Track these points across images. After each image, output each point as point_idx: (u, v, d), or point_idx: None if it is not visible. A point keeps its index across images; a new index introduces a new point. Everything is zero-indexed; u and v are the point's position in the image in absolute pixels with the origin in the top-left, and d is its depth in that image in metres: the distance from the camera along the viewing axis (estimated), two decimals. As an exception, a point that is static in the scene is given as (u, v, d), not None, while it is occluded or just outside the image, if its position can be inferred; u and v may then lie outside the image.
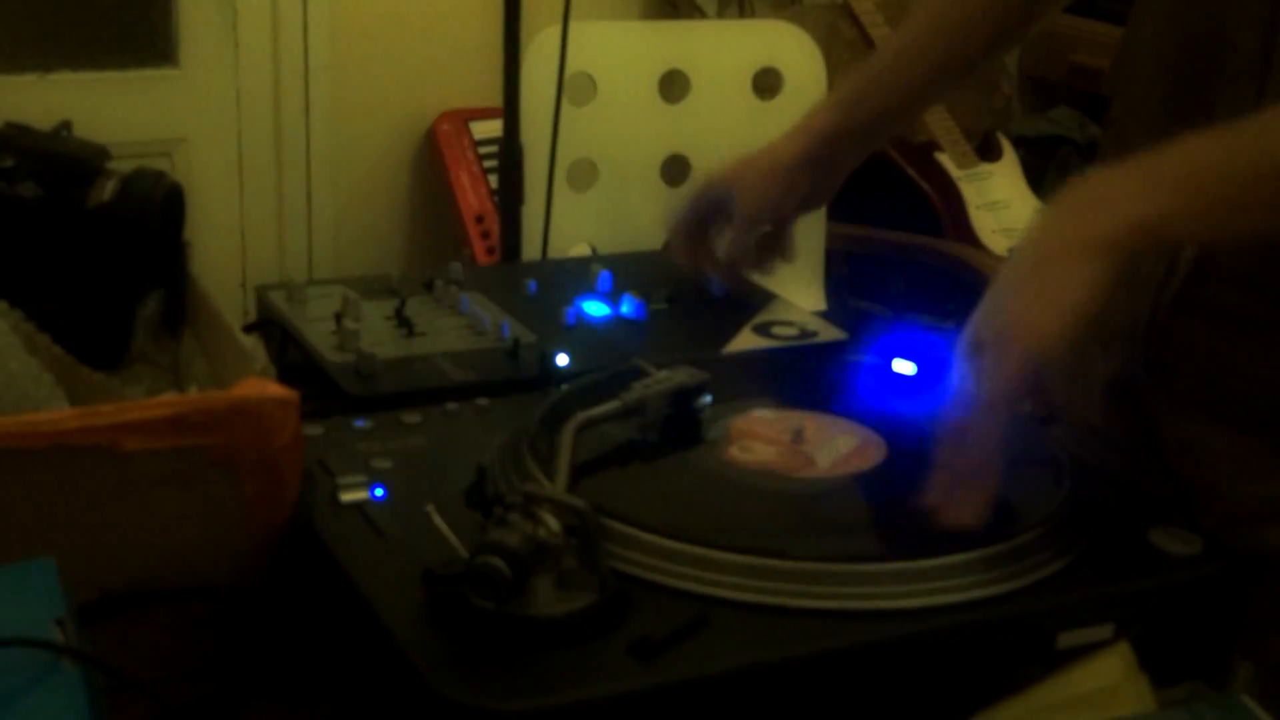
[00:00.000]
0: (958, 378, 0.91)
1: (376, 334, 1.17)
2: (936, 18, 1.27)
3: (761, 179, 1.27)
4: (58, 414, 0.82)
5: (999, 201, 2.89)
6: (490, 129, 2.67)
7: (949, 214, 2.85)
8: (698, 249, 1.31)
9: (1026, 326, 0.88)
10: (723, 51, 2.27)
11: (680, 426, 1.01)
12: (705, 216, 1.31)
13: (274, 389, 0.85)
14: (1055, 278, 0.89)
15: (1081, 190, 0.93)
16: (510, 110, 1.99)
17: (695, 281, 1.32)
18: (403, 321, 1.19)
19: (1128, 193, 0.91)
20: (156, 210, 1.21)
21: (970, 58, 1.29)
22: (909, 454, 0.98)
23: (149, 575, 0.85)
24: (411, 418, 1.03)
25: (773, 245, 1.32)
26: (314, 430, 0.98)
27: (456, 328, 1.20)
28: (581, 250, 2.09)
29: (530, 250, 2.01)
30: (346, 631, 0.84)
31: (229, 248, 2.79)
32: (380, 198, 2.94)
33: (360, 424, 1.01)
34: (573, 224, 2.09)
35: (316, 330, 1.17)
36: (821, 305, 2.19)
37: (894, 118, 1.33)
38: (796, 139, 1.27)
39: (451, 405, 1.05)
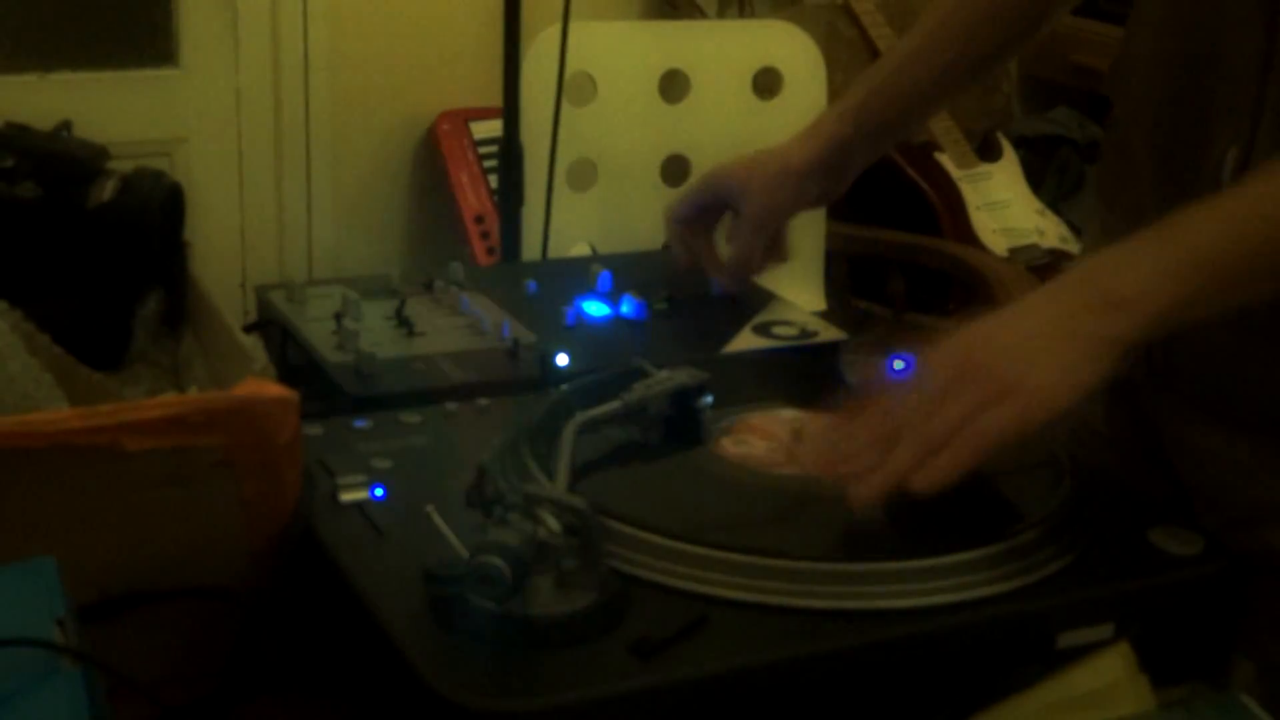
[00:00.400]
0: (922, 391, 0.91)
1: (376, 334, 1.17)
2: (944, 23, 1.27)
3: (770, 184, 1.27)
4: (58, 414, 0.82)
5: (999, 201, 2.89)
6: (490, 129, 2.67)
7: (949, 214, 2.85)
8: (696, 242, 1.31)
9: (1042, 390, 0.89)
10: (723, 51, 2.27)
11: (680, 426, 1.01)
12: (707, 207, 1.31)
13: (274, 389, 0.85)
14: (1077, 356, 0.90)
15: (1091, 280, 0.93)
16: (510, 110, 1.99)
17: (695, 282, 1.32)
18: (403, 321, 1.19)
19: (1145, 289, 0.91)
20: (156, 210, 1.21)
21: (978, 62, 1.29)
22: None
23: (149, 575, 0.85)
24: (411, 418, 1.03)
25: (769, 246, 1.32)
26: (314, 430, 0.98)
27: (456, 328, 1.20)
28: (581, 250, 2.09)
29: (530, 250, 2.01)
30: (346, 631, 0.84)
31: (229, 248, 2.79)
32: (380, 198, 2.94)
33: (360, 424, 1.01)
34: (573, 224, 2.10)
35: (316, 330, 1.17)
36: (821, 305, 2.19)
37: (903, 123, 1.33)
38: (807, 145, 1.27)
39: (451, 405, 1.05)
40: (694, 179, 1.38)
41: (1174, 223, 0.92)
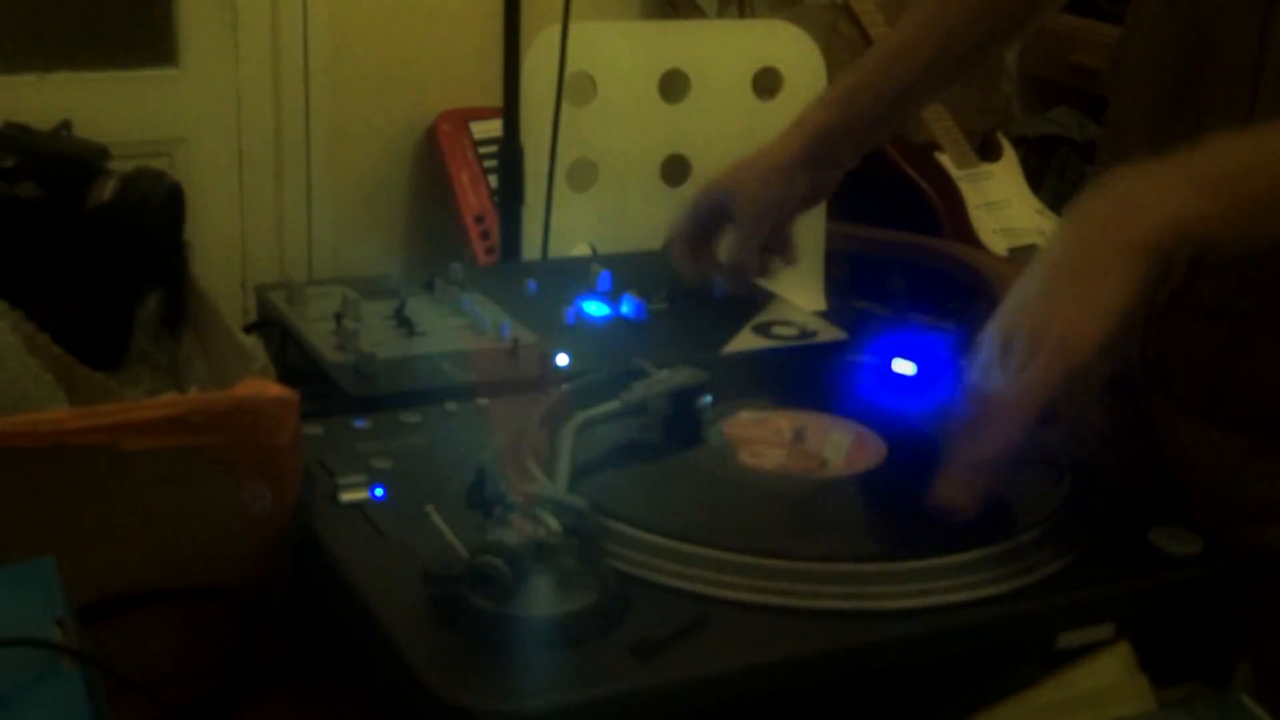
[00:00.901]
0: (975, 372, 0.90)
1: (376, 334, 1.17)
2: (932, 16, 1.27)
3: (759, 182, 1.27)
4: (58, 414, 0.82)
5: (999, 201, 2.89)
6: (490, 129, 2.67)
7: (949, 214, 2.85)
8: (700, 256, 1.31)
9: (1068, 329, 0.87)
10: (723, 51, 2.27)
11: (680, 426, 1.01)
12: (706, 222, 1.31)
13: (274, 389, 0.85)
14: (1095, 280, 0.88)
15: (1116, 189, 0.92)
16: (510, 110, 1.99)
17: (696, 282, 1.32)
18: (403, 321, 1.19)
19: (1165, 193, 0.90)
20: (156, 210, 1.21)
21: (965, 56, 1.29)
22: (909, 454, 0.98)
23: (149, 575, 0.85)
24: (411, 418, 1.03)
25: (774, 247, 1.31)
26: (314, 430, 0.98)
27: (456, 328, 1.20)
28: (581, 250, 2.09)
29: (530, 250, 2.01)
30: (346, 632, 0.84)
31: (229, 248, 2.79)
32: (380, 198, 2.94)
33: (360, 424, 1.01)
34: (573, 224, 2.10)
35: (316, 330, 1.17)
36: (821, 305, 2.19)
37: (890, 115, 1.33)
38: (792, 138, 1.27)
39: (451, 405, 1.05)
40: (693, 185, 1.38)
41: (1200, 145, 0.91)
